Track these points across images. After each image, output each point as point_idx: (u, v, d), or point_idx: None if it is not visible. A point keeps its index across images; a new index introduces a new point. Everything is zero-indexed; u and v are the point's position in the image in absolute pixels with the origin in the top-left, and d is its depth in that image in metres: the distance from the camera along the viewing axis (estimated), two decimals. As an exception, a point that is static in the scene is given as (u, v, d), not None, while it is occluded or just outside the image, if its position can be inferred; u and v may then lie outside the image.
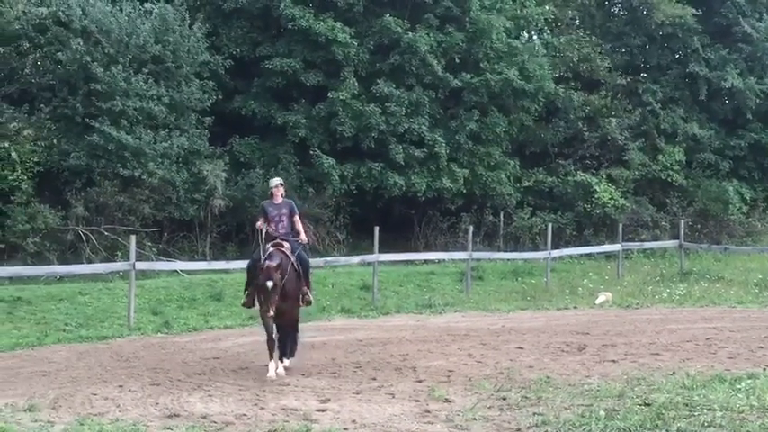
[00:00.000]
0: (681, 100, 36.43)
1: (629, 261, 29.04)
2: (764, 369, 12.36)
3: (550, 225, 27.73)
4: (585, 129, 34.81)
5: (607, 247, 29.13)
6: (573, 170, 33.90)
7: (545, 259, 26.36)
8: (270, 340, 12.72)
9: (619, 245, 27.86)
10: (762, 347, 14.66)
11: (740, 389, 10.83)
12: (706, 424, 9.19)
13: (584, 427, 9.15)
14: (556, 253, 27.12)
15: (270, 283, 12.50)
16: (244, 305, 14.11)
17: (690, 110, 36.31)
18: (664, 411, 9.64)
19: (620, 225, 28.74)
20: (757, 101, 35.89)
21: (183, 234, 27.33)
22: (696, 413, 9.66)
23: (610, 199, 32.66)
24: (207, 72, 28.10)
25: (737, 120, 36.70)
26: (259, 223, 13.64)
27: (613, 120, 34.54)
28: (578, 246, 30.43)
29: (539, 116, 33.94)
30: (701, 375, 11.85)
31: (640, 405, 10.05)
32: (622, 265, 27.49)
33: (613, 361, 13.47)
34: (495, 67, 31.26)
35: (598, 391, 10.96)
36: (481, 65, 31.36)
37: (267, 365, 12.67)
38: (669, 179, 34.82)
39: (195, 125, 27.27)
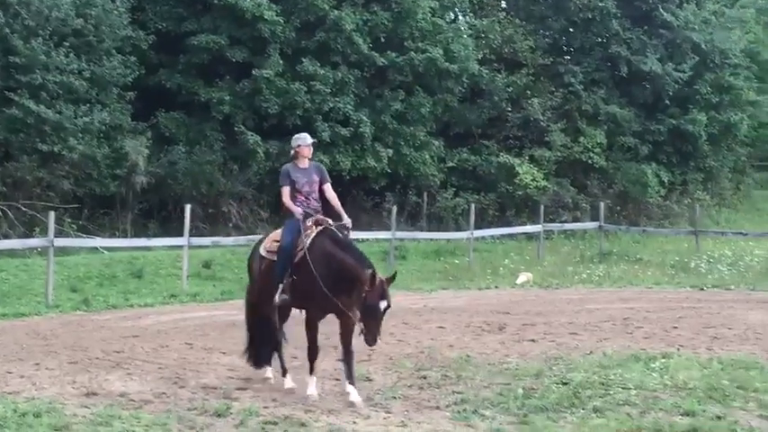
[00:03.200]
0: (602, 82, 36.90)
1: (549, 242, 29.40)
2: (678, 349, 12.64)
3: (473, 205, 27.90)
4: (509, 110, 35.12)
5: (528, 228, 29.46)
6: (496, 151, 34.17)
7: (467, 239, 26.55)
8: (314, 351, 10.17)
9: (540, 226, 28.19)
10: (676, 328, 14.97)
11: (654, 368, 11.08)
12: (621, 402, 9.39)
13: (502, 405, 9.28)
14: (478, 233, 27.33)
15: (384, 304, 9.47)
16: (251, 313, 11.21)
17: (611, 92, 36.79)
18: (580, 390, 9.83)
19: (542, 206, 29.06)
20: (676, 86, 36.49)
21: (103, 211, 27.01)
22: (612, 392, 9.87)
23: (532, 180, 33.00)
24: (130, 47, 27.70)
25: (657, 104, 37.28)
26: (290, 202, 10.48)
27: (536, 101, 34.88)
28: (500, 226, 30.70)
29: (463, 97, 34.15)
30: (617, 355, 12.08)
31: (558, 384, 10.23)
32: (543, 246, 27.83)
33: (532, 340, 13.64)
34: (420, 46, 31.38)
35: (517, 370, 11.12)
36: (406, 44, 31.43)
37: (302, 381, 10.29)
38: (590, 161, 35.26)
39: (117, 100, 26.91)
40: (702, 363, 11.43)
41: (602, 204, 30.07)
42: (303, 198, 10.51)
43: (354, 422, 8.71)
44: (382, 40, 31.30)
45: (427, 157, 32.05)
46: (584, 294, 20.35)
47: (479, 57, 34.21)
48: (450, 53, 31.94)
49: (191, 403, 9.40)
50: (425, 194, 32.42)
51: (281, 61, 28.95)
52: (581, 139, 35.44)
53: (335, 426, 8.55)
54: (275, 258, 10.39)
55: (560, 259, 26.81)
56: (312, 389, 9.79)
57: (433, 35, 32.04)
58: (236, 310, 16.62)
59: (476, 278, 23.30)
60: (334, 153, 29.54)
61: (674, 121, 37.00)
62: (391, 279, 9.71)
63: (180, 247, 20.88)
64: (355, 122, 29.84)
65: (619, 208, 34.70)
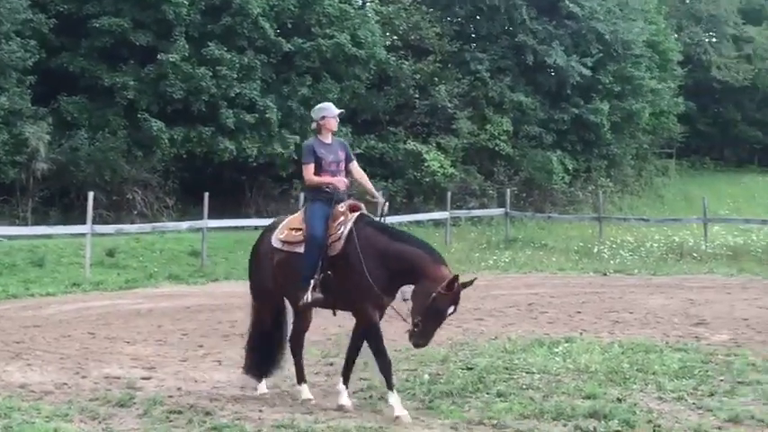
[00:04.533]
0: (508, 70, 37.28)
1: (457, 228, 29.62)
2: (581, 333, 12.84)
3: (381, 192, 27.94)
4: (416, 97, 35.27)
5: (436, 215, 29.64)
6: (404, 138, 34.30)
7: (375, 226, 26.52)
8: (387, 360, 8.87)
9: (447, 212, 28.40)
10: (579, 312, 15.22)
11: (557, 352, 11.24)
12: (525, 386, 9.50)
13: (408, 391, 9.32)
14: (387, 220, 27.26)
15: (452, 310, 8.56)
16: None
17: (517, 80, 37.20)
18: (485, 375, 9.93)
19: (449, 193, 29.27)
20: (580, 76, 37.05)
21: (2, 198, 26.38)
22: (515, 376, 9.99)
23: (439, 167, 33.21)
24: (30, 30, 27.02)
25: (561, 93, 37.82)
26: (320, 178, 9.19)
27: (443, 88, 35.09)
28: (408, 213, 30.78)
29: (371, 84, 34.14)
30: (521, 340, 12.22)
31: (463, 369, 10.32)
32: (450, 233, 28.03)
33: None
34: (327, 31, 31.27)
35: (423, 356, 11.14)
36: (313, 30, 31.30)
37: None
38: (497, 149, 35.61)
39: (16, 84, 26.25)
40: (604, 347, 11.63)
41: (508, 191, 30.43)
42: (329, 177, 9.20)
43: (260, 410, 8.64)
44: (289, 25, 31.13)
45: (334, 142, 31.91)
46: (490, 280, 20.49)
47: (387, 43, 34.26)
48: (357, 39, 31.92)
49: (93, 393, 9.23)
50: (332, 181, 32.32)
51: (186, 45, 28.58)
52: (488, 126, 35.76)
53: (241, 414, 8.47)
54: (296, 250, 8.98)
55: (467, 245, 27.01)
56: (401, 409, 8.37)
57: (341, 21, 31.97)
58: (141, 299, 16.47)
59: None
60: (240, 139, 29.30)
61: (576, 111, 37.57)
62: (468, 284, 8.60)
63: (83, 234, 20.50)
64: (262, 108, 29.62)
65: (525, 195, 35.14)
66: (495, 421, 8.16)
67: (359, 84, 33.01)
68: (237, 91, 29.22)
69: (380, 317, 9.00)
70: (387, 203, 9.63)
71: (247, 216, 28.65)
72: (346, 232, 8.79)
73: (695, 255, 24.59)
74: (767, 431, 7.92)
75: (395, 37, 35.58)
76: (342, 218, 8.94)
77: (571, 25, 37.78)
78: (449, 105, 35.06)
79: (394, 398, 8.46)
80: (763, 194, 43.61)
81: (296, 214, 9.56)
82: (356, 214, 9.01)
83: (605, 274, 21.66)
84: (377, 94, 34.72)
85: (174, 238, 24.82)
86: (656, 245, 25.83)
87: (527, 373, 10.15)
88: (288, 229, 9.22)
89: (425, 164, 33.18)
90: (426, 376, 9.90)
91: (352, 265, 8.64)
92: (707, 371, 10.27)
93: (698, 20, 52.84)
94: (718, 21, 52.96)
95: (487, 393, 9.22)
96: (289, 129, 30.74)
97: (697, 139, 52.83)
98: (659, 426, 8.02)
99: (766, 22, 56.44)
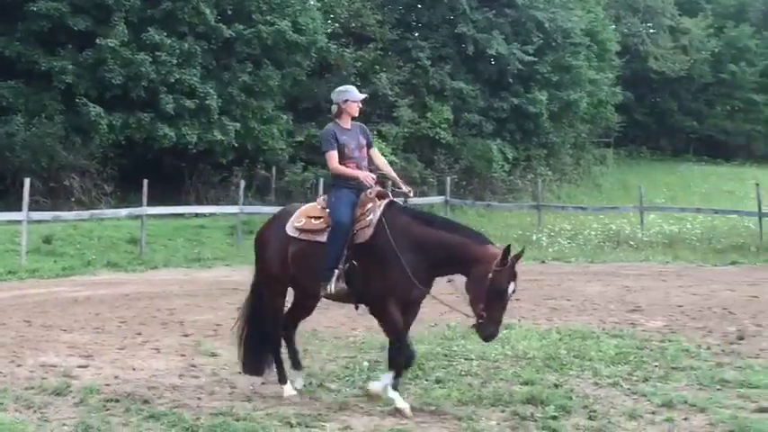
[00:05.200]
0: (449, 58, 37.39)
1: (398, 216, 29.54)
2: (519, 320, 12.96)
3: (322, 180, 27.95)
4: (358, 84, 35.09)
5: (377, 203, 29.58)
6: (345, 126, 34.21)
7: (316, 213, 26.49)
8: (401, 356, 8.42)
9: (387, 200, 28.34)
10: (518, 299, 15.23)
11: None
12: (463, 373, 9.59)
13: (347, 378, 9.35)
14: (327, 207, 27.27)
15: (513, 286, 8.06)
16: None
17: (457, 68, 37.33)
18: (424, 362, 9.97)
19: (389, 181, 29.22)
20: (520, 65, 37.29)
21: (-65, 184, 25.89)
22: (454, 363, 10.08)
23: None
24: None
25: (501, 81, 38.05)
26: (346, 168, 8.82)
27: (384, 75, 35.10)
28: (348, 201, 30.72)
29: (312, 71, 34.04)
30: (460, 327, 12.28)
31: (402, 356, 10.36)
32: (392, 220, 27.98)
33: (379, 314, 13.74)
34: (268, 18, 31.07)
35: (363, 343, 11.21)
36: (254, 16, 31.10)
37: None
38: (437, 137, 35.72)
39: (-50, 68, 25.77)
40: (542, 333, 11.78)
41: (448, 179, 30.56)
42: (354, 167, 8.76)
43: (199, 398, 8.61)
44: (230, 11, 30.92)
45: (275, 131, 31.84)
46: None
47: (328, 31, 34.17)
48: (298, 26, 31.77)
49: (28, 382, 9.11)
50: (274, 169, 32.25)
51: (125, 30, 28.23)
52: (428, 114, 35.86)
53: (179, 401, 8.43)
54: (317, 239, 8.52)
55: (407, 233, 27.01)
56: (403, 403, 8.13)
57: (282, 8, 31.79)
58: (78, 287, 16.28)
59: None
60: (180, 126, 29.04)
61: (515, 100, 37.81)
62: (520, 255, 8.03)
63: (18, 221, 20.21)
64: (202, 95, 29.38)
65: (465, 183, 35.32)
66: (434, 407, 8.23)
67: (300, 71, 32.88)
68: (177, 77, 28.94)
69: (415, 312, 8.70)
70: (411, 192, 9.16)
71: (187, 203, 28.47)
72: (376, 219, 8.32)
73: (632, 243, 24.93)
74: (700, 415, 8.07)
75: (336, 24, 35.50)
76: (370, 204, 8.50)
77: (511, 14, 38.01)
78: (390, 93, 35.09)
79: (387, 378, 8.26)
80: (699, 183, 44.32)
81: (313, 203, 9.08)
82: (385, 201, 8.55)
83: (543, 262, 21.88)
84: (318, 81, 34.61)
85: (113, 226, 24.55)
86: (593, 233, 26.11)
87: (466, 359, 10.24)
88: (306, 217, 8.74)
89: (366, 152, 33.09)
90: (366, 363, 9.93)
91: (382, 254, 8.17)
92: (642, 357, 10.44)
93: (635, 11, 53.48)
94: (656, 12, 53.66)
95: (426, 380, 9.29)
96: (229, 116, 30.54)
97: (634, 129, 53.59)
98: (595, 411, 8.15)
99: (702, 14, 57.32)
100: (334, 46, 34.21)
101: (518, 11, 37.96)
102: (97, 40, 27.90)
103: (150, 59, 28.21)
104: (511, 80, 37.85)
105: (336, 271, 8.30)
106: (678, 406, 8.32)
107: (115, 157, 29.23)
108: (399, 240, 8.14)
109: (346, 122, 8.94)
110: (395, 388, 8.20)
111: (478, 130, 37.22)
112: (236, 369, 9.52)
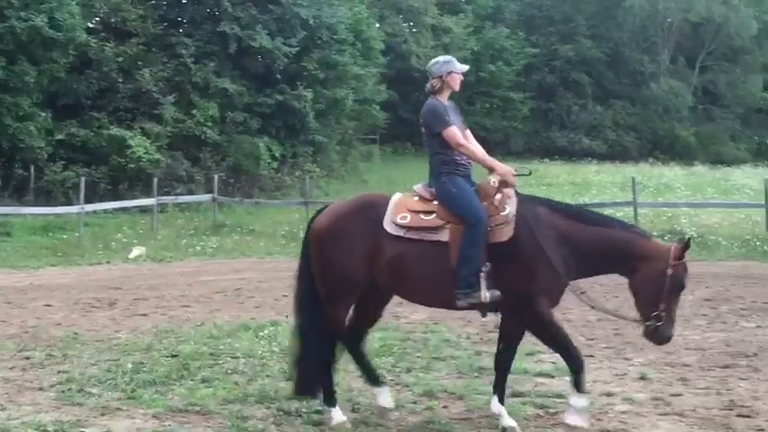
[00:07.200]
0: (213, 55, 37.01)
1: (163, 215, 29.14)
2: (286, 316, 12.98)
3: (83, 179, 27.12)
4: (120, 81, 34.34)
5: (141, 201, 29.04)
6: (107, 123, 33.32)
7: (78, 214, 25.72)
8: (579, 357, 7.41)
9: (153, 199, 27.90)
10: (286, 296, 15.35)
11: (263, 336, 11.37)
12: (230, 371, 9.53)
13: (110, 381, 9.09)
14: (89, 207, 26.55)
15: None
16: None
17: (222, 65, 37.03)
18: (189, 362, 9.86)
19: (155, 179, 28.76)
20: (285, 61, 37.38)
21: None
22: (221, 361, 10.00)
23: (144, 153, 32.49)
24: None
25: (268, 77, 38.01)
26: (475, 146, 7.75)
27: (147, 71, 34.39)
28: (113, 200, 29.97)
29: (71, 67, 32.88)
30: (227, 325, 12.26)
31: (167, 357, 10.21)
32: (157, 219, 27.56)
33: (144, 315, 13.50)
34: (22, 14, 29.73)
35: (126, 345, 10.96)
36: (6, 12, 29.70)
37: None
38: (203, 135, 35.31)
39: None
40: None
41: (215, 177, 30.31)
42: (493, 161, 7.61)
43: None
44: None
45: (33, 128, 30.54)
46: (197, 266, 20.45)
47: (89, 25, 33.13)
48: (55, 21, 30.57)
49: None
50: (32, 168, 30.94)
51: None
52: (194, 112, 35.39)
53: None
54: (433, 238, 7.37)
55: (174, 232, 26.70)
56: (580, 419, 7.26)
57: (37, 3, 30.49)
58: None
59: (87, 254, 22.65)
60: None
61: (280, 97, 37.89)
62: (689, 246, 7.25)
63: None
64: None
65: (233, 180, 35.06)
66: (199, 407, 8.14)
67: (58, 67, 31.67)
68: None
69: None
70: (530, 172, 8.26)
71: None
72: (513, 214, 7.33)
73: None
74: (458, 402, 8.37)
75: (97, 18, 34.42)
76: (498, 195, 7.40)
77: (276, 10, 38.00)
78: (154, 90, 34.40)
79: (581, 401, 7.28)
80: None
81: (401, 193, 7.81)
82: (513, 192, 7.49)
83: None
84: (78, 77, 33.46)
85: None
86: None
87: (232, 357, 10.19)
88: (410, 212, 7.48)
89: (130, 150, 32.35)
90: (129, 365, 9.69)
91: (525, 254, 7.20)
92: (405, 348, 10.72)
93: (399, 10, 54.72)
94: (418, 12, 55.09)
95: (192, 380, 9.17)
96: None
97: (399, 126, 54.71)
98: (358, 403, 8.31)
99: (462, 14, 59.40)
100: (95, 41, 33.21)
101: (282, 8, 38.01)
102: None
103: None
104: (279, 76, 37.86)
105: (482, 275, 7.23)
106: (438, 394, 8.60)
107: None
108: (545, 237, 7.22)
109: (445, 98, 7.75)
110: (579, 385, 7.26)
111: (245, 128, 37.06)
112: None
